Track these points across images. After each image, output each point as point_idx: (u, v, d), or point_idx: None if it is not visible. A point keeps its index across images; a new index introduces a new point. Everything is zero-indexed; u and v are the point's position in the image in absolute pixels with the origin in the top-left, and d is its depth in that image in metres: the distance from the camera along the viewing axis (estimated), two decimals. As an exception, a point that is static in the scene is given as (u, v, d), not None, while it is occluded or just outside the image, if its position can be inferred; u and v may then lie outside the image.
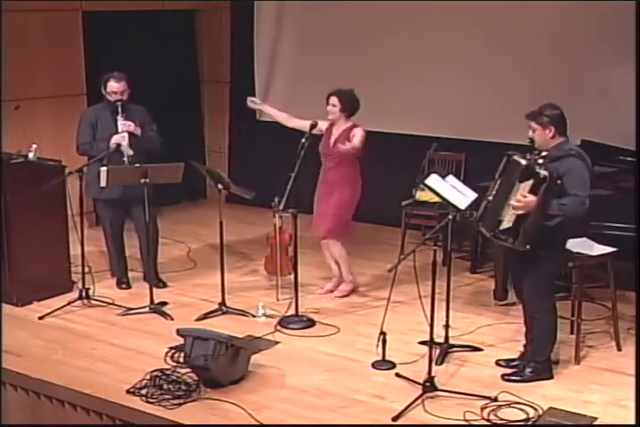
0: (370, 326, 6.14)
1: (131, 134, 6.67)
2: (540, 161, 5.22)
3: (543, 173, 5.07)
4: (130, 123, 6.68)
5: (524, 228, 5.15)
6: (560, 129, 5.30)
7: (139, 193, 6.52)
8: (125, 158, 6.62)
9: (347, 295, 6.85)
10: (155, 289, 6.71)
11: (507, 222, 5.22)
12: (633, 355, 5.74)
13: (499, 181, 5.37)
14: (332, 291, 6.91)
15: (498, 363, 5.70)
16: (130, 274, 7.21)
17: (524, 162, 5.16)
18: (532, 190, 5.10)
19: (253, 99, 6.99)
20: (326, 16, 8.83)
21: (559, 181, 5.09)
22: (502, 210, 5.25)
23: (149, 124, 6.91)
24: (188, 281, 7.29)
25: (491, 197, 5.38)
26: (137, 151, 6.71)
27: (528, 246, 5.17)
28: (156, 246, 7.08)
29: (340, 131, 6.56)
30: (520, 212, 5.14)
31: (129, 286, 7.12)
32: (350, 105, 6.52)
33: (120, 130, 6.65)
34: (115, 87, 6.72)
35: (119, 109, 6.68)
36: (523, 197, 5.11)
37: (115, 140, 6.64)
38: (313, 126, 6.53)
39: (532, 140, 5.33)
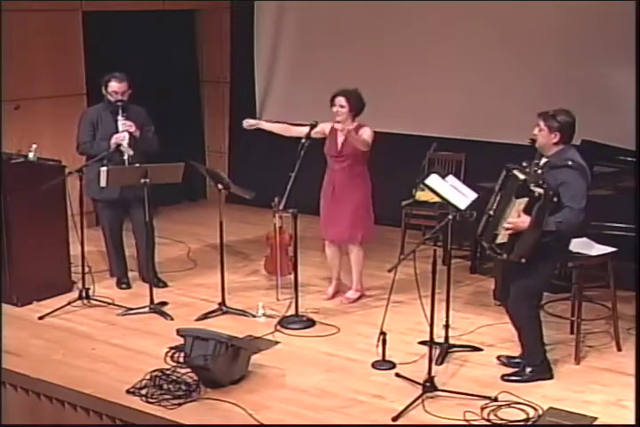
0: (370, 326, 6.14)
1: (130, 135, 6.68)
2: (540, 171, 5.22)
3: (538, 191, 5.03)
4: (130, 123, 6.69)
5: (519, 244, 5.15)
6: (566, 137, 5.27)
7: (137, 193, 6.53)
8: (126, 157, 6.63)
9: (353, 302, 6.80)
10: (155, 289, 6.71)
11: (501, 237, 5.22)
12: (633, 355, 5.74)
13: (499, 195, 5.35)
14: (334, 296, 6.88)
15: (499, 358, 5.72)
16: (130, 274, 7.21)
17: (522, 177, 5.11)
18: (527, 209, 5.08)
19: (247, 120, 6.85)
20: (326, 16, 8.83)
21: (555, 199, 5.06)
22: (498, 224, 5.23)
23: (148, 125, 6.92)
24: (188, 281, 7.29)
25: (492, 212, 5.36)
26: (135, 152, 6.71)
27: (523, 260, 5.18)
28: (153, 246, 7.08)
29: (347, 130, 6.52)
30: (511, 232, 5.15)
31: (129, 286, 7.12)
32: (358, 105, 6.47)
33: (120, 130, 6.67)
34: (116, 87, 6.73)
35: (120, 110, 6.69)
36: (517, 216, 5.09)
37: (115, 139, 6.66)
38: (313, 127, 6.49)
39: (533, 141, 5.33)
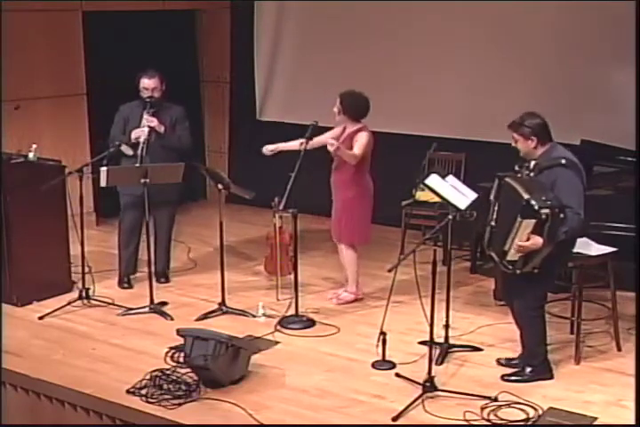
0: (370, 326, 6.14)
1: (151, 130, 6.69)
2: (532, 174, 5.21)
3: (544, 211, 4.95)
4: (152, 119, 6.71)
5: (532, 260, 5.11)
6: (543, 138, 5.26)
7: (162, 191, 6.58)
8: (140, 146, 6.64)
9: (345, 304, 6.76)
10: (155, 289, 6.70)
11: (511, 255, 5.16)
12: (633, 355, 5.74)
13: (496, 204, 5.32)
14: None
15: (498, 361, 5.71)
16: (132, 275, 7.21)
17: (525, 196, 5.00)
18: (535, 230, 5.01)
19: (267, 147, 6.72)
20: (326, 16, 8.83)
21: (562, 215, 5.00)
22: (506, 241, 5.16)
23: (181, 122, 6.93)
24: (188, 281, 7.29)
25: (493, 222, 5.34)
26: (163, 148, 6.75)
27: (536, 270, 5.16)
28: (169, 244, 7.18)
29: (347, 133, 6.49)
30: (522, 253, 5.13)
31: (130, 286, 7.11)
32: (352, 108, 6.42)
33: (142, 125, 6.69)
34: (146, 84, 6.79)
35: (147, 105, 6.74)
36: (527, 238, 5.03)
37: (134, 134, 6.70)
38: (314, 127, 6.50)
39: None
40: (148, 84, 6.79)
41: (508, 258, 5.19)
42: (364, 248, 6.78)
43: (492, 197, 5.35)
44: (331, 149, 6.25)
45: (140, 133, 6.70)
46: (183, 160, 6.69)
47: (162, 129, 6.76)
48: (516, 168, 5.33)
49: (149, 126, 6.71)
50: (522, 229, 5.04)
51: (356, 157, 6.35)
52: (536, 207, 4.95)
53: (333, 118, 6.54)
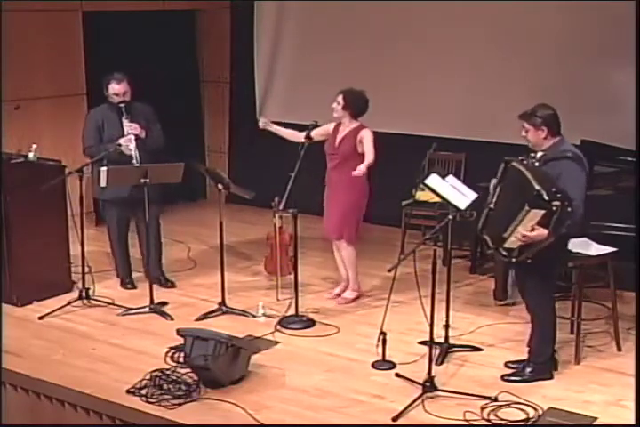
0: (370, 326, 6.14)
1: (136, 137, 6.68)
2: (537, 164, 5.21)
3: (555, 203, 4.92)
4: (135, 125, 6.68)
5: (530, 249, 5.09)
6: (553, 129, 5.27)
7: (143, 193, 6.51)
8: (133, 153, 6.61)
9: (349, 303, 6.79)
10: (155, 289, 6.70)
11: (510, 243, 5.14)
12: (633, 355, 5.74)
13: (498, 188, 5.32)
14: (339, 295, 6.85)
15: (507, 365, 5.66)
16: (133, 274, 7.19)
17: (536, 187, 4.96)
18: (541, 221, 4.99)
19: (265, 120, 6.81)
20: (326, 16, 8.83)
21: (569, 209, 4.98)
22: (507, 228, 5.13)
23: (154, 123, 6.91)
24: (188, 281, 7.28)
25: (492, 205, 5.34)
26: (142, 151, 6.70)
27: (529, 260, 5.15)
28: (160, 245, 7.13)
29: (347, 131, 6.49)
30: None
31: (134, 287, 7.10)
32: (354, 105, 6.45)
33: (126, 132, 6.67)
34: (116, 89, 6.72)
35: (123, 111, 6.69)
36: (531, 229, 5.01)
37: (124, 142, 6.64)
38: (314, 127, 6.51)
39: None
40: (118, 89, 6.71)
41: (506, 245, 5.19)
42: (364, 248, 6.78)
43: (495, 180, 5.34)
44: (360, 174, 6.31)
45: (127, 142, 6.64)
46: (157, 160, 6.67)
47: (143, 135, 6.73)
48: (521, 158, 5.33)
49: (134, 134, 6.66)
50: (528, 218, 5.02)
51: (373, 158, 6.39)
52: (547, 198, 4.94)
53: (333, 118, 6.54)
